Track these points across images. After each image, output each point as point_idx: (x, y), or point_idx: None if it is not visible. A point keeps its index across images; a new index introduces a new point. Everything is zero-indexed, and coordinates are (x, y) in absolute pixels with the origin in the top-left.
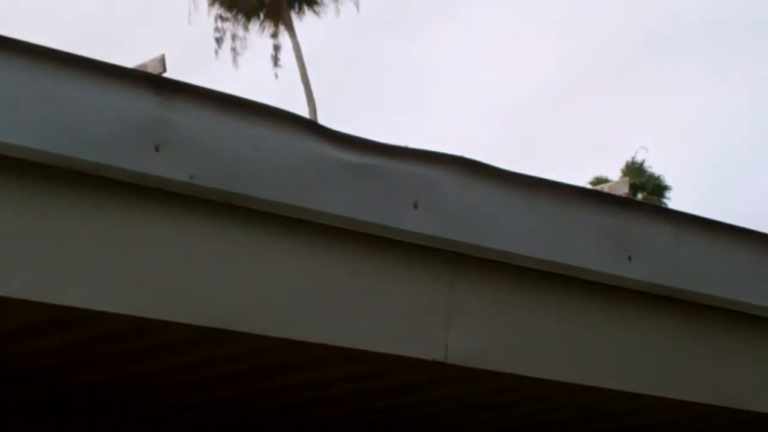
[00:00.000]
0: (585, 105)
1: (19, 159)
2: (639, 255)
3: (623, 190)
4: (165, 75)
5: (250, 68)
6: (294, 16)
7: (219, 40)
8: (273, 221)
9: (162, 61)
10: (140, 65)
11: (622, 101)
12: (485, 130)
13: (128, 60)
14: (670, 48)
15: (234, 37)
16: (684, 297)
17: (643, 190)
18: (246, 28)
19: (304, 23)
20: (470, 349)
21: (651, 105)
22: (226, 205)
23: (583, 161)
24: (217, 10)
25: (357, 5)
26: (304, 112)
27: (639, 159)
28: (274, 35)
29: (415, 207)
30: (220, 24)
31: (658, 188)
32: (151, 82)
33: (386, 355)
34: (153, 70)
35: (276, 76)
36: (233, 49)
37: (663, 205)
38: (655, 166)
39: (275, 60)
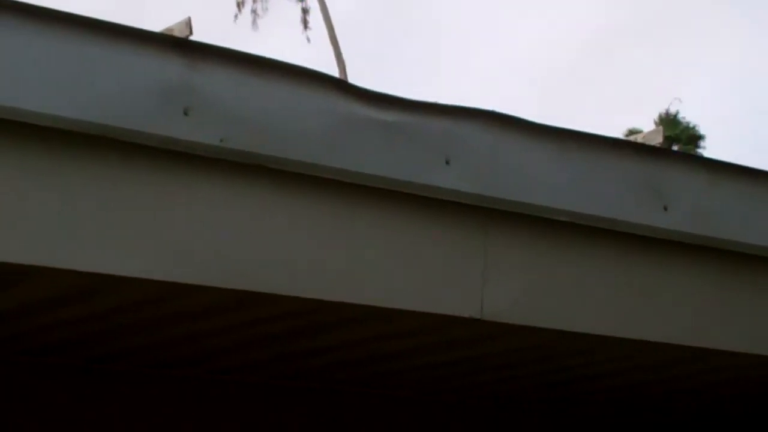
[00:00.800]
0: (622, 58)
1: (48, 127)
2: (675, 204)
3: (657, 140)
4: (192, 38)
5: (272, 33)
6: None
7: (240, 4)
8: (304, 182)
9: (188, 24)
10: (167, 29)
11: (660, 54)
12: (522, 87)
13: (153, 25)
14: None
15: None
16: (721, 246)
17: (678, 141)
18: None
19: None
20: (506, 305)
21: (689, 58)
22: (256, 167)
23: (619, 114)
24: None
25: None
26: (333, 74)
27: (673, 110)
28: None
29: (447, 163)
30: None
31: (693, 138)
32: (178, 45)
33: (421, 313)
34: (179, 33)
35: (308, 39)
36: (253, 11)
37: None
38: (689, 117)
39: (305, 23)
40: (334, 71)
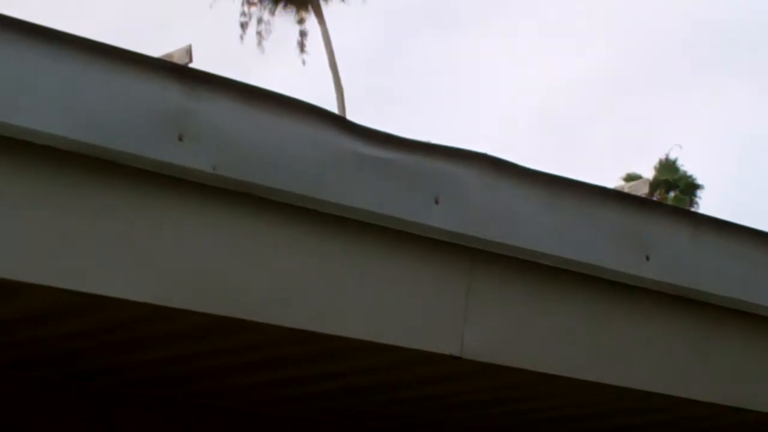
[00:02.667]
0: (622, 106)
1: (43, 146)
2: (657, 255)
3: (643, 191)
4: (191, 65)
5: (277, 59)
6: (321, 1)
7: (244, 25)
8: (294, 213)
9: (189, 51)
10: (166, 55)
11: (659, 103)
12: (521, 130)
13: (155, 51)
14: (710, 54)
15: (260, 21)
16: (701, 298)
17: (676, 188)
18: (272, 13)
19: (339, 20)
20: (486, 345)
21: (688, 108)
22: (247, 195)
23: (618, 160)
24: None
25: None
26: (331, 98)
27: (672, 156)
28: (301, 21)
29: (436, 202)
30: (246, 8)
31: (691, 186)
32: (176, 71)
33: (403, 348)
34: (179, 60)
35: (303, 62)
36: (258, 33)
37: (695, 204)
38: (687, 164)
39: (301, 46)
40: (332, 98)
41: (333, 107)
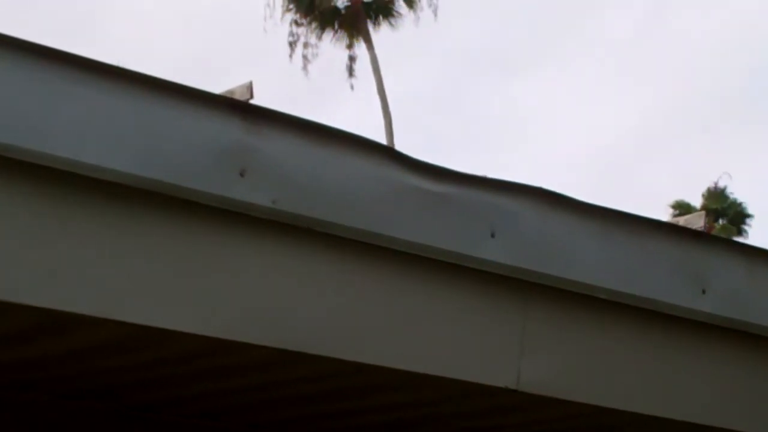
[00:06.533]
0: (671, 150)
1: (109, 182)
2: (713, 288)
3: (699, 224)
4: (252, 101)
5: (326, 82)
6: (370, 27)
7: (292, 45)
8: (351, 247)
9: (249, 87)
10: (228, 91)
11: (708, 147)
12: (572, 174)
13: (216, 86)
14: (754, 102)
15: (306, 45)
16: (757, 331)
17: (724, 216)
18: (319, 38)
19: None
20: (542, 378)
21: (736, 152)
22: (306, 230)
23: (668, 187)
24: (293, 15)
25: (435, 12)
26: (379, 124)
27: (721, 185)
28: (350, 46)
29: (492, 236)
30: (294, 29)
31: (740, 215)
32: (238, 108)
33: (459, 381)
34: (240, 96)
35: (351, 87)
36: (304, 57)
37: (744, 233)
38: (737, 192)
39: (350, 70)
40: (381, 121)
41: (381, 132)
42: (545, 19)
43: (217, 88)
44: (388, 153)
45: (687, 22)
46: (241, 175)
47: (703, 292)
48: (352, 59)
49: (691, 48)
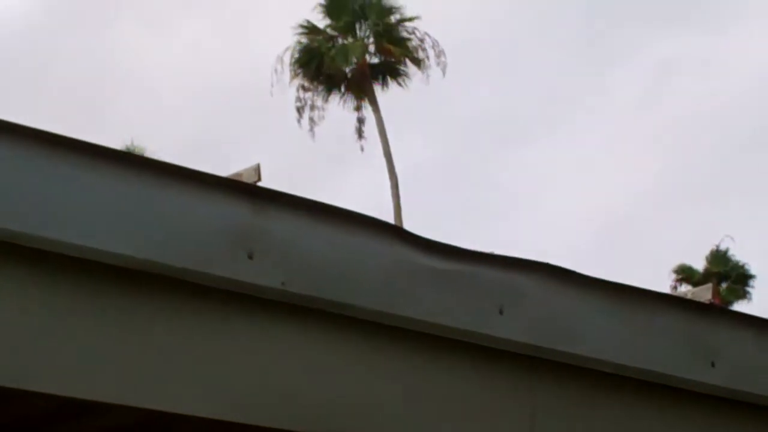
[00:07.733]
0: (679, 214)
1: (115, 266)
2: (721, 361)
3: (706, 297)
4: (260, 183)
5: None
6: (377, 89)
7: (300, 110)
8: (360, 326)
9: (257, 170)
10: (235, 174)
11: (713, 212)
12: (581, 239)
13: (223, 169)
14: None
15: (312, 107)
16: (766, 403)
17: (727, 278)
18: (326, 100)
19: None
20: None
21: (743, 215)
22: (316, 311)
23: (670, 252)
24: (300, 80)
25: (443, 71)
26: (386, 194)
27: (723, 247)
28: (357, 108)
29: (501, 313)
30: (301, 93)
31: (743, 276)
32: (246, 191)
33: None
34: (248, 178)
35: (361, 149)
36: (311, 119)
37: (748, 294)
38: (739, 254)
39: (359, 132)
40: (388, 191)
41: (387, 193)
42: (553, 85)
43: (226, 159)
44: (395, 232)
45: (687, 88)
46: (250, 257)
47: (713, 365)
48: (360, 121)
49: (693, 112)
